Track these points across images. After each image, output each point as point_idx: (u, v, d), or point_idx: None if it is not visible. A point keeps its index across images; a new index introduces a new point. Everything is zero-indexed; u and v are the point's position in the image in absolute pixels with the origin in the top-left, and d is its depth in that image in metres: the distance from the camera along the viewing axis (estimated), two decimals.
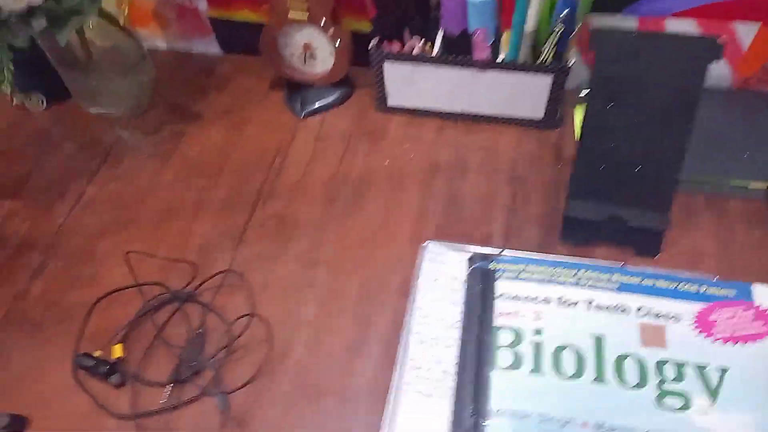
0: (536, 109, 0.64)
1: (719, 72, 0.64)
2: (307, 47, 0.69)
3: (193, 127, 0.71)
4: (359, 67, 0.69)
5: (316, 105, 0.71)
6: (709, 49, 0.47)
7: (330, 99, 0.71)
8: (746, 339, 0.46)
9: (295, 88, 0.73)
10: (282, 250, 0.59)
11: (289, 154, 0.67)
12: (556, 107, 0.63)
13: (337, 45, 0.66)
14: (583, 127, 0.52)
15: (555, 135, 0.66)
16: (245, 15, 0.75)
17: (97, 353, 0.51)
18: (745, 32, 0.61)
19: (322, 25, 0.65)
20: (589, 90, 0.51)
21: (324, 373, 0.50)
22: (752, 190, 0.57)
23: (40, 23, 0.57)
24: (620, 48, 0.48)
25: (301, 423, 0.48)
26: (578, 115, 0.66)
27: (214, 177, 0.66)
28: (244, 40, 0.77)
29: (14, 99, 0.59)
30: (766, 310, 0.48)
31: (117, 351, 0.51)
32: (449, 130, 0.68)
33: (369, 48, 0.63)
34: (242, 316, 0.53)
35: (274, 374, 0.50)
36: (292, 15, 0.65)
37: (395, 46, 0.63)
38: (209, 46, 0.80)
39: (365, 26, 0.68)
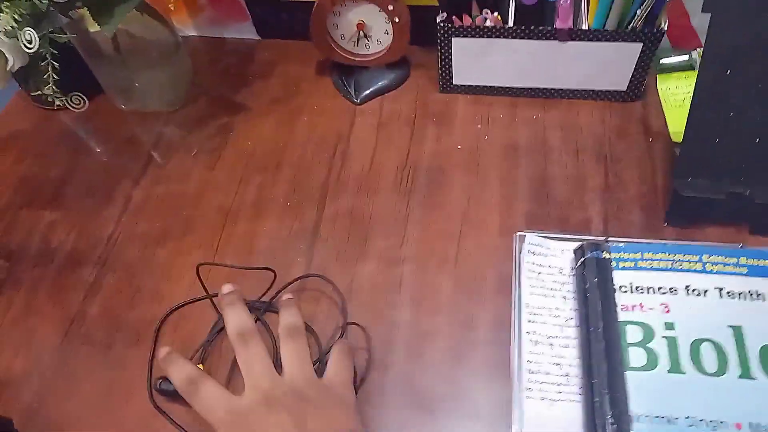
0: (619, 81, 0.59)
1: None
2: (361, 26, 0.63)
3: (241, 119, 0.66)
4: (420, 46, 0.64)
5: (373, 89, 0.66)
6: None
7: (387, 81, 0.66)
8: None
9: (347, 72, 0.67)
10: (361, 248, 0.54)
11: (351, 142, 0.62)
12: (643, 77, 0.58)
13: (396, 22, 0.61)
14: (694, 98, 0.47)
15: (639, 107, 0.61)
16: None
17: None
18: None
19: (382, 1, 0.59)
20: (702, 56, 0.46)
21: (432, 382, 0.46)
22: None
23: (78, 12, 0.51)
24: (742, 6, 0.43)
25: None
26: (662, 84, 0.61)
27: (272, 172, 0.60)
28: (283, 24, 0.71)
29: (56, 101, 0.53)
30: None
31: None
32: (523, 107, 0.63)
33: (437, 23, 0.58)
34: (350, 323, 0.49)
35: (378, 385, 0.46)
36: None
37: (465, 20, 0.58)
38: (244, 32, 0.74)
39: (423, 0, 0.63)
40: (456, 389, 0.45)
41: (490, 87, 0.63)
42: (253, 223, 0.57)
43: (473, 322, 0.49)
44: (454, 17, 0.58)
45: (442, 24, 0.58)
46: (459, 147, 0.60)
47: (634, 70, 0.58)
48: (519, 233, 0.52)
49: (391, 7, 0.60)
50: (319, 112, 0.65)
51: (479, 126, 0.62)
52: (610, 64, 0.58)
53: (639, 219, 0.53)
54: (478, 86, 0.63)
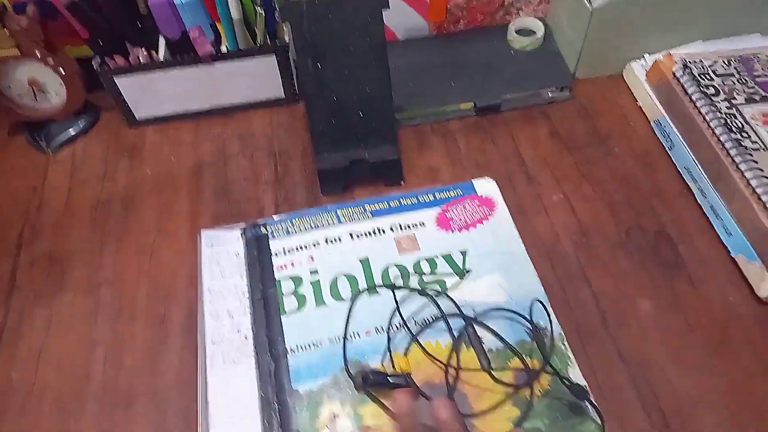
0: (276, 89, 0.70)
1: (417, 24, 0.74)
2: (33, 83, 0.67)
3: None
4: (101, 90, 0.69)
5: (63, 137, 0.69)
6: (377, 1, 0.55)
7: (76, 128, 0.70)
8: (476, 223, 0.57)
9: (37, 127, 0.70)
10: (59, 283, 0.57)
11: (45, 191, 0.65)
12: (291, 82, 0.69)
13: (63, 73, 0.66)
14: (300, 90, 0.58)
15: (302, 107, 0.72)
16: None
17: None
18: None
19: (39, 57, 0.64)
20: (295, 56, 0.57)
21: (130, 380, 0.51)
22: (464, 110, 0.69)
23: None
24: (308, 15, 0.55)
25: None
26: None
27: None
28: None
29: None
30: (485, 197, 0.59)
31: None
32: (204, 127, 0.71)
33: (94, 67, 0.64)
34: None
35: (78, 395, 0.50)
36: (1, 53, 0.63)
37: (120, 61, 0.64)
38: None
39: (88, 50, 0.68)
40: (153, 382, 0.51)
41: (173, 115, 0.70)
42: None
43: (167, 319, 0.54)
44: (107, 59, 0.64)
45: (98, 68, 0.63)
46: (149, 173, 0.66)
47: (281, 77, 0.68)
48: (201, 231, 0.59)
49: (51, 60, 0.65)
50: (11, 171, 0.67)
51: (168, 149, 0.68)
52: (260, 77, 0.68)
53: (303, 197, 0.63)
54: (162, 116, 0.70)
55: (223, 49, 0.65)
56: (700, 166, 0.58)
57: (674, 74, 0.62)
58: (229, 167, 0.66)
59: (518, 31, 0.74)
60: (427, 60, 0.73)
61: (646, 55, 0.69)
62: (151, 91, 0.67)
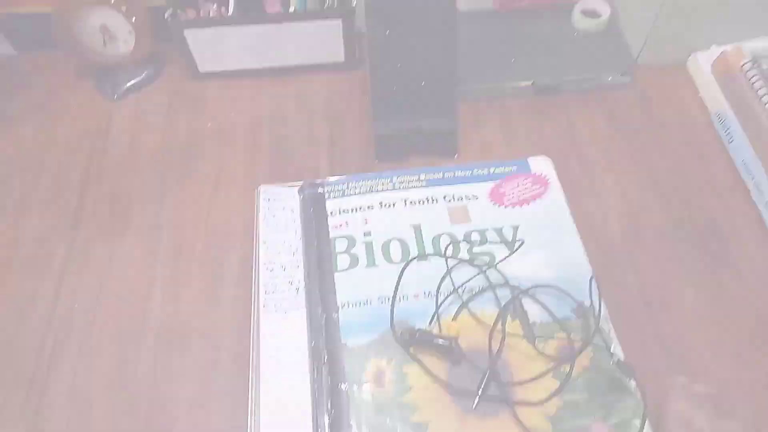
0: (337, 53, 0.71)
1: None
2: (104, 29, 0.69)
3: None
4: (168, 43, 0.70)
5: (128, 85, 0.72)
6: None
7: (141, 77, 0.72)
8: (529, 200, 0.57)
9: (104, 73, 0.72)
10: (122, 223, 0.60)
11: (110, 135, 0.68)
12: (354, 48, 0.70)
13: (134, 21, 0.67)
14: (369, 56, 0.59)
15: (360, 74, 0.73)
16: (34, 7, 0.72)
17: None
18: None
19: (112, 3, 0.66)
20: (366, 21, 0.58)
21: (186, 319, 0.54)
22: (522, 88, 0.69)
23: None
24: None
25: (172, 369, 0.51)
26: None
27: (33, 172, 0.64)
28: (39, 35, 0.74)
29: None
30: (540, 175, 0.59)
31: None
32: (265, 85, 0.72)
33: (165, 18, 0.65)
34: None
35: (141, 332, 0.53)
36: None
37: (191, 13, 0.66)
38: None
39: (160, 1, 0.70)
40: (206, 323, 0.53)
41: (236, 71, 0.72)
42: (14, 220, 0.60)
43: (223, 266, 0.57)
44: (179, 11, 0.65)
45: (169, 19, 0.65)
46: (209, 125, 0.68)
47: (344, 42, 0.69)
48: (259, 186, 0.61)
49: (124, 8, 0.66)
50: (79, 113, 0.70)
51: (228, 104, 0.70)
52: (323, 40, 0.69)
53: (357, 161, 0.64)
54: (225, 71, 0.72)
55: (291, 9, 0.66)
56: (760, 162, 0.58)
57: (742, 67, 0.61)
58: (286, 126, 0.68)
59: (584, 12, 0.73)
60: (489, 34, 0.73)
61: (713, 47, 0.68)
62: (217, 46, 0.69)
